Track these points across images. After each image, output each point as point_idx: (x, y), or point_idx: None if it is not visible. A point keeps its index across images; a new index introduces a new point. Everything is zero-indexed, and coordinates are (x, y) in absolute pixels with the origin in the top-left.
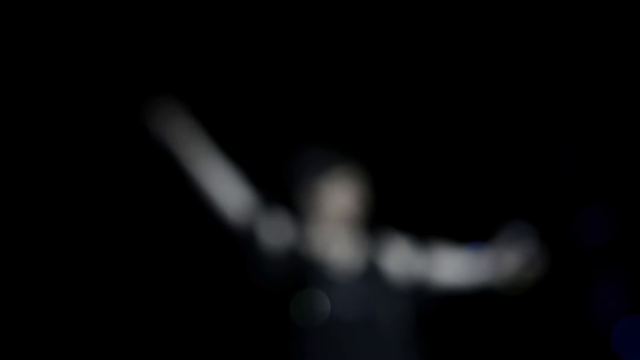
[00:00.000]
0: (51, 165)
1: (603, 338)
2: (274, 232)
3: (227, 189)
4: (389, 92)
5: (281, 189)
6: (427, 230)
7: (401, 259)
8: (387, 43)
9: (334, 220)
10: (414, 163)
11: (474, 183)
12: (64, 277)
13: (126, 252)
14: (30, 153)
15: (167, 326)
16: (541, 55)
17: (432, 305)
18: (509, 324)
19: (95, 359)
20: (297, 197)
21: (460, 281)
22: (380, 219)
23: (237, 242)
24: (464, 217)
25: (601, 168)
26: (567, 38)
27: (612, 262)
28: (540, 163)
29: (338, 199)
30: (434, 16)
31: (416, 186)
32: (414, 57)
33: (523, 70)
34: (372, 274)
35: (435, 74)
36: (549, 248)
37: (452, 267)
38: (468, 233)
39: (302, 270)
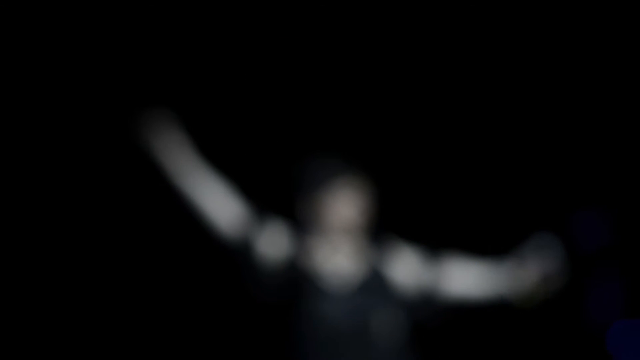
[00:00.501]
0: (41, 178)
1: (599, 340)
2: (270, 244)
3: (218, 202)
4: (399, 100)
5: (280, 200)
6: (439, 242)
7: (407, 270)
8: (391, 53)
9: (336, 231)
10: (425, 172)
11: (474, 188)
12: (51, 299)
13: (120, 265)
14: (20, 162)
15: (162, 336)
16: (546, 62)
17: (439, 316)
18: (507, 328)
19: None
20: (299, 207)
21: (471, 292)
22: (389, 229)
23: (231, 254)
24: (464, 225)
25: (598, 170)
26: (566, 41)
27: (609, 265)
28: (537, 166)
29: (340, 209)
30: (441, 29)
31: (424, 195)
32: (419, 69)
33: (532, 83)
34: (372, 285)
35: (445, 86)
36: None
37: (464, 278)
38: (469, 242)
39: (298, 281)
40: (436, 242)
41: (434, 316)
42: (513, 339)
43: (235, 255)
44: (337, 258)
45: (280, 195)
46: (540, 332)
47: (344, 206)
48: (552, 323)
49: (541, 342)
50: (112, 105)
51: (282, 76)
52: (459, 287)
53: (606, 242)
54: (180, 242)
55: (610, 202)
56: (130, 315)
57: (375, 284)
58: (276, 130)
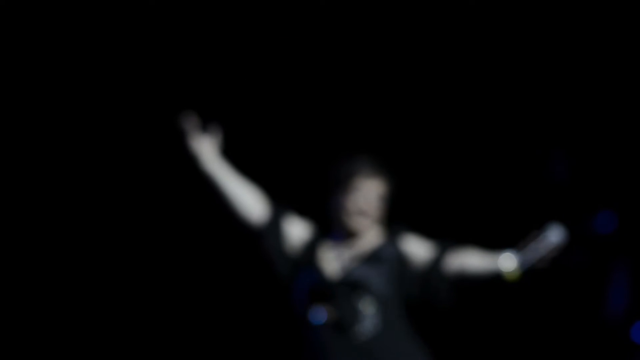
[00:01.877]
0: (93, 170)
1: (618, 333)
2: (287, 233)
3: (246, 194)
4: (423, 102)
5: (303, 198)
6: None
7: (417, 252)
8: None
9: (355, 220)
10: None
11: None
12: (97, 273)
13: (150, 249)
14: (70, 155)
15: (173, 319)
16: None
17: (449, 296)
18: (528, 321)
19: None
20: (324, 201)
21: (472, 269)
22: (404, 222)
23: (254, 240)
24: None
25: (616, 168)
26: (568, 48)
27: (627, 259)
28: (557, 165)
29: (360, 199)
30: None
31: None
32: (438, 78)
33: (542, 87)
34: (377, 275)
35: (468, 91)
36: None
37: (467, 258)
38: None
39: (304, 269)
40: (452, 235)
41: (444, 295)
42: (535, 334)
43: (257, 240)
44: (352, 248)
45: (304, 194)
46: (562, 325)
47: (364, 196)
48: (573, 316)
49: (562, 334)
50: (159, 105)
51: (314, 84)
52: (461, 264)
53: (624, 237)
54: (205, 227)
55: (629, 199)
56: (158, 291)
57: (379, 275)
58: (302, 134)
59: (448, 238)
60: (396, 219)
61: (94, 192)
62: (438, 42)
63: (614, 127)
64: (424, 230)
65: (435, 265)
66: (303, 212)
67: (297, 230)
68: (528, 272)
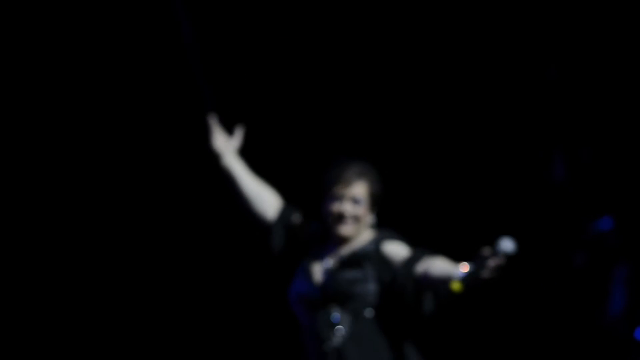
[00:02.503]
0: (111, 169)
1: (619, 335)
2: (294, 234)
3: (263, 193)
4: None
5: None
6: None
7: (394, 260)
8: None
9: (335, 229)
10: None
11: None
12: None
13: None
14: (105, 153)
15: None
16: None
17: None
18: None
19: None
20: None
21: (432, 277)
22: (400, 224)
23: (264, 237)
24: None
25: (617, 172)
26: (568, 49)
27: (627, 261)
28: (554, 169)
29: (339, 207)
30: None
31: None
32: (429, 85)
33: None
34: (357, 270)
35: (460, 101)
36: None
37: (433, 265)
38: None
39: (297, 274)
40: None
41: (409, 294)
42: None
43: (267, 237)
44: (332, 258)
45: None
46: (562, 329)
47: (344, 201)
48: (575, 320)
49: (563, 339)
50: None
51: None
52: (427, 268)
53: (626, 242)
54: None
55: (630, 204)
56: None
57: (362, 270)
58: (312, 139)
59: (444, 240)
60: (393, 220)
61: (109, 191)
62: (437, 43)
63: (614, 128)
64: (422, 232)
65: (405, 265)
66: (313, 215)
67: (302, 233)
68: (472, 283)
